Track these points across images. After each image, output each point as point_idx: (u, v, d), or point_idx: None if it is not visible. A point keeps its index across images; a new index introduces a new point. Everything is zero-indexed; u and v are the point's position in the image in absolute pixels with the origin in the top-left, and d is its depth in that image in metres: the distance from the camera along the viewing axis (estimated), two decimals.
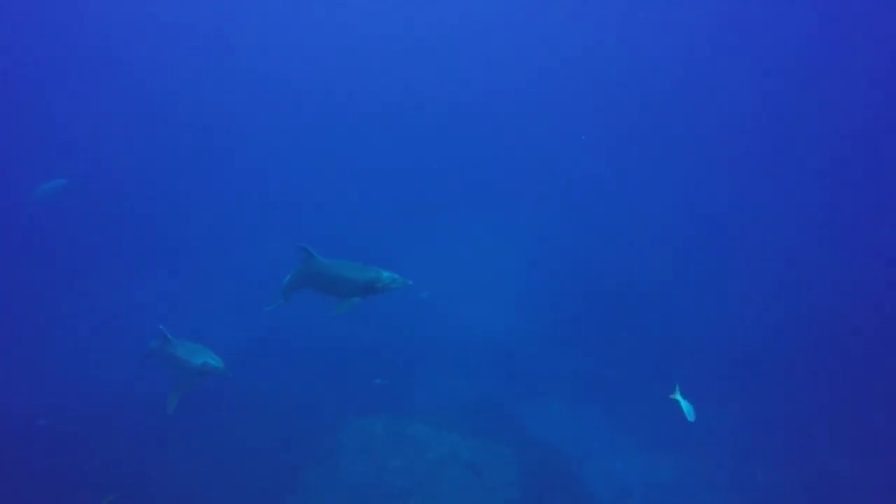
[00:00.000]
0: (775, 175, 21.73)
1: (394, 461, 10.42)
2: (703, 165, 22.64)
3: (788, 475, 11.61)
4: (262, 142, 24.09)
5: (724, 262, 17.68)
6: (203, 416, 10.48)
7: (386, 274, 6.77)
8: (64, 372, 12.40)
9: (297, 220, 19.81)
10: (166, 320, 13.45)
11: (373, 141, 23.95)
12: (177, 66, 25.99)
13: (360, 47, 27.42)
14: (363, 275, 6.75)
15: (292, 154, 23.84)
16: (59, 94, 23.16)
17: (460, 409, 12.19)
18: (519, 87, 25.65)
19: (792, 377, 13.78)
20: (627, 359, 14.28)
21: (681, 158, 22.95)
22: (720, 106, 24.14)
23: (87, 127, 21.74)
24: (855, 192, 20.57)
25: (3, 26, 24.18)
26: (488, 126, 24.54)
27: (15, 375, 12.00)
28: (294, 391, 11.98)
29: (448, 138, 24.25)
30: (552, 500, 10.20)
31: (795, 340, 14.70)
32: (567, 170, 22.98)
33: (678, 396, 6.58)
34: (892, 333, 14.36)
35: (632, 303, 15.81)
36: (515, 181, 21.75)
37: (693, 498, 11.36)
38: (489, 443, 11.04)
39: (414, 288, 7.05)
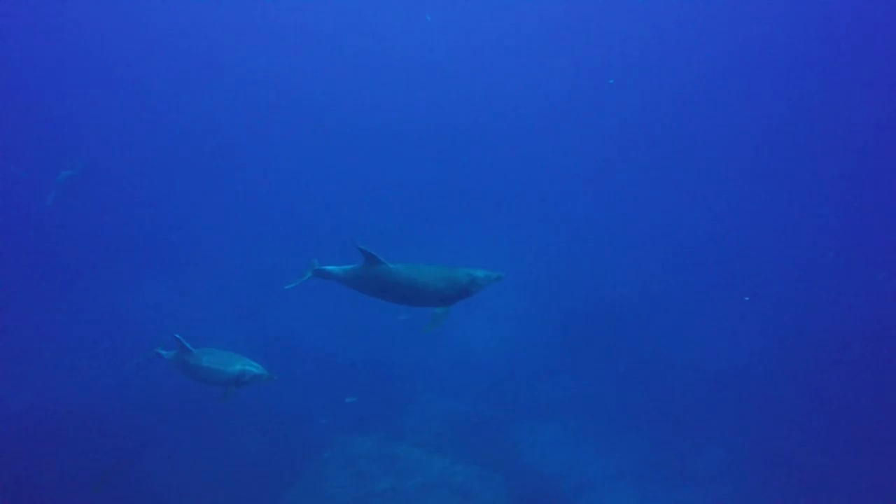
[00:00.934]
0: (768, 198, 21.61)
1: (380, 483, 10.07)
2: (699, 189, 22.55)
3: None
4: (255, 145, 24.04)
5: (723, 285, 17.37)
6: (186, 429, 10.19)
7: (480, 273, 5.89)
8: (51, 373, 12.19)
9: (290, 228, 19.70)
10: (158, 327, 13.44)
11: (371, 150, 23.90)
12: (176, 70, 26.11)
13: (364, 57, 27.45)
14: (455, 279, 5.79)
15: (288, 160, 23.74)
16: (61, 95, 23.26)
17: (453, 432, 11.85)
18: (524, 104, 25.62)
19: (792, 405, 13.39)
20: (627, 383, 13.95)
21: (677, 182, 22.87)
22: (715, 128, 24.09)
23: (87, 129, 21.69)
24: (843, 216, 20.43)
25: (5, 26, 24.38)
26: (488, 142, 24.56)
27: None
28: (284, 406, 11.67)
29: (448, 152, 24.25)
30: None
31: (797, 365, 14.33)
32: (566, 189, 22.88)
33: None
34: (881, 355, 14.03)
35: (632, 326, 15.50)
36: (514, 199, 21.57)
37: None
38: (481, 468, 10.67)
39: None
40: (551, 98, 25.80)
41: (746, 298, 16.73)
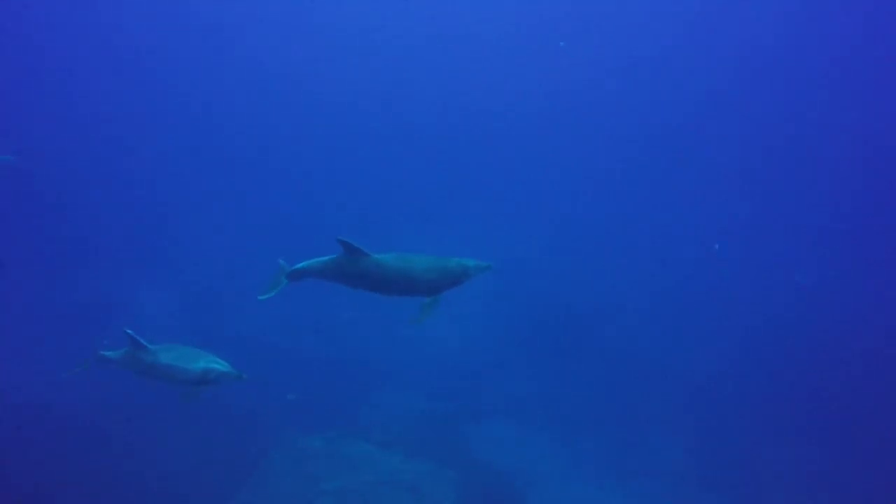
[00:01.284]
0: (734, 203, 22.04)
1: (330, 482, 9.95)
2: (664, 191, 22.88)
3: (730, 500, 11.43)
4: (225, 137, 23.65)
5: (682, 287, 17.64)
6: (127, 429, 9.92)
7: (471, 262, 5.69)
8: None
9: (259, 219, 19.42)
10: (105, 320, 13.08)
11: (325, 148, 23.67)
12: (174, 66, 25.81)
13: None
14: (446, 268, 5.56)
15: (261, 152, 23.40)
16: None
17: (407, 429, 11.78)
18: (493, 108, 25.60)
19: (745, 404, 13.68)
20: (584, 383, 14.06)
21: (640, 182, 23.17)
22: (687, 128, 24.41)
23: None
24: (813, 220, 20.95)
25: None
26: (459, 140, 24.46)
27: None
28: (231, 404, 11.41)
29: (417, 148, 24.11)
30: None
31: (749, 366, 14.65)
32: (530, 190, 22.97)
33: None
34: (846, 360, 14.41)
35: (589, 326, 15.62)
36: (478, 198, 21.57)
37: None
38: (432, 465, 10.64)
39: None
40: (530, 98, 25.82)
41: (716, 246, 16.98)
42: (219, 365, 6.67)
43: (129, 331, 6.78)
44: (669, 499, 11.48)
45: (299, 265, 5.79)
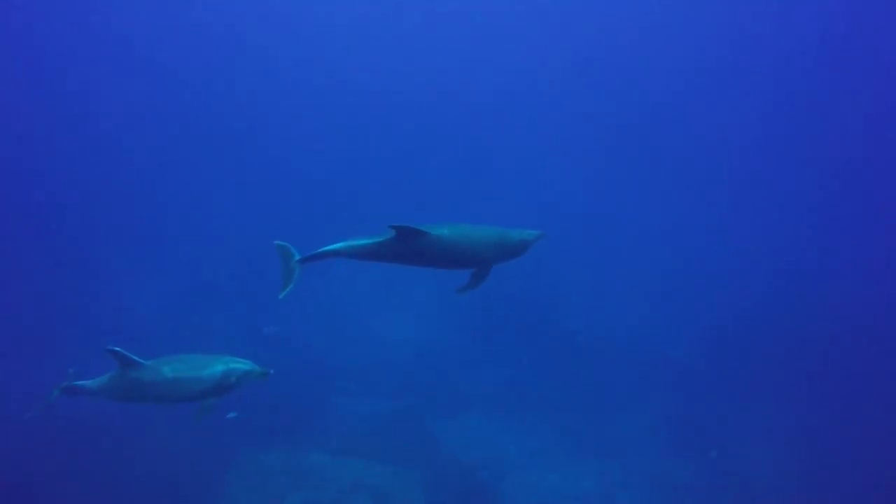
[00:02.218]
0: (683, 180, 22.45)
1: (291, 498, 9.54)
2: (617, 172, 23.12)
3: (700, 469, 11.49)
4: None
5: (638, 269, 17.68)
6: (70, 448, 9.27)
7: (529, 233, 5.63)
8: None
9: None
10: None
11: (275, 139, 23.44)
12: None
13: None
14: (507, 239, 5.49)
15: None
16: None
17: (368, 433, 11.44)
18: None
19: (699, 375, 13.80)
20: (547, 369, 13.95)
21: (597, 163, 23.38)
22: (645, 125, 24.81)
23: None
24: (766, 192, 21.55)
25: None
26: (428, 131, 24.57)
27: None
28: (184, 422, 10.79)
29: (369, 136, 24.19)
30: None
31: (703, 341, 14.79)
32: (485, 175, 22.91)
33: None
34: (790, 331, 14.69)
35: (549, 312, 15.52)
36: (432, 185, 21.42)
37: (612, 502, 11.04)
38: (397, 467, 10.33)
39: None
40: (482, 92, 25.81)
41: None
42: (241, 364, 5.81)
43: (116, 348, 5.61)
44: (643, 475, 11.46)
45: (330, 247, 5.38)
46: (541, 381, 13.68)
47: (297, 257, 5.44)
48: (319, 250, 5.40)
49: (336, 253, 5.39)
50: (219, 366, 5.72)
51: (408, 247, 5.25)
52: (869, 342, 14.07)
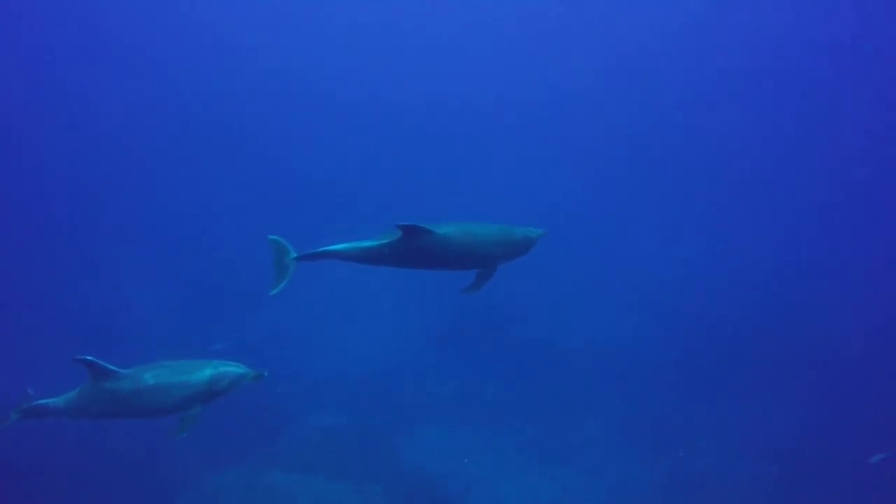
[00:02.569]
0: (648, 181, 22.83)
1: None
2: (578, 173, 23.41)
3: (668, 470, 11.55)
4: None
5: (592, 272, 17.82)
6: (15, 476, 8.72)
7: (533, 230, 5.62)
8: None
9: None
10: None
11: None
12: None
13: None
14: (512, 237, 5.47)
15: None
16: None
17: (329, 450, 11.11)
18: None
19: (665, 376, 13.91)
20: (504, 376, 13.87)
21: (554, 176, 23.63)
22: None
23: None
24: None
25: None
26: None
27: None
28: (131, 445, 10.29)
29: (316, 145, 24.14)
30: None
31: (666, 341, 14.94)
32: (437, 183, 22.90)
33: None
34: (757, 330, 14.97)
35: (504, 319, 15.47)
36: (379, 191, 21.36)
37: None
38: (359, 483, 10.07)
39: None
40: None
41: None
42: (231, 367, 5.42)
43: (87, 357, 5.03)
44: (610, 480, 11.45)
45: (333, 247, 5.26)
46: (503, 390, 13.61)
47: (294, 255, 5.31)
48: (319, 249, 5.29)
49: (337, 254, 5.29)
50: (207, 370, 5.34)
51: (414, 247, 5.17)
52: (840, 341, 14.37)
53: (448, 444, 12.23)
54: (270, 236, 5.36)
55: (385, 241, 5.20)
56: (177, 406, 5.29)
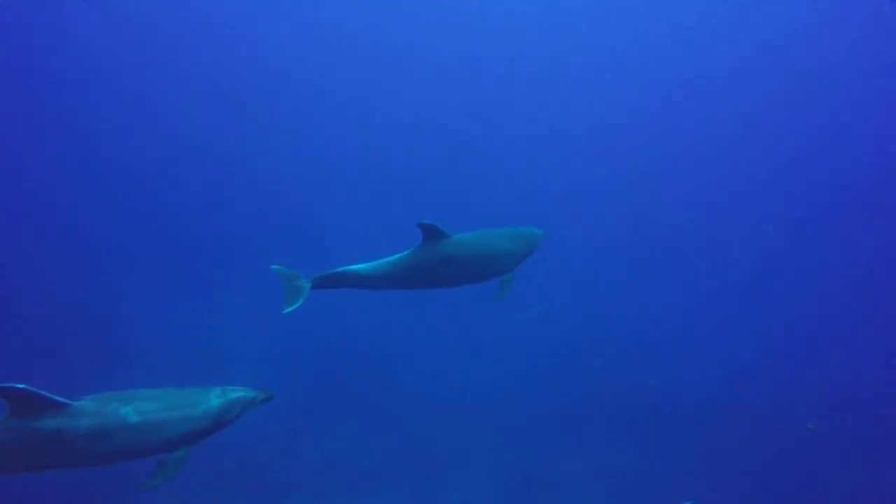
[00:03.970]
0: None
1: None
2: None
3: None
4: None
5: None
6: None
7: (538, 230, 5.74)
8: None
9: None
10: None
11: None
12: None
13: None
14: (523, 237, 5.55)
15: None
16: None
17: None
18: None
19: (544, 417, 14.04)
20: (380, 434, 13.38)
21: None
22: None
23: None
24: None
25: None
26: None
27: None
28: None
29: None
30: None
31: (539, 386, 15.13)
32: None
33: None
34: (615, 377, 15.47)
35: (375, 373, 15.08)
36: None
37: None
38: None
39: None
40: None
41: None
42: (239, 392, 4.61)
43: (39, 391, 3.78)
44: None
45: (350, 267, 5.24)
46: (375, 450, 13.01)
47: (302, 277, 5.25)
48: (337, 270, 5.19)
49: (356, 275, 5.22)
50: (213, 399, 4.51)
51: (436, 256, 5.15)
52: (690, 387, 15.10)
53: None
54: (273, 266, 5.32)
55: (404, 253, 5.25)
56: (164, 447, 4.34)
